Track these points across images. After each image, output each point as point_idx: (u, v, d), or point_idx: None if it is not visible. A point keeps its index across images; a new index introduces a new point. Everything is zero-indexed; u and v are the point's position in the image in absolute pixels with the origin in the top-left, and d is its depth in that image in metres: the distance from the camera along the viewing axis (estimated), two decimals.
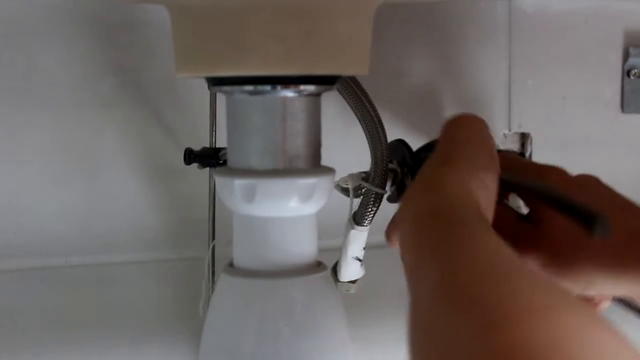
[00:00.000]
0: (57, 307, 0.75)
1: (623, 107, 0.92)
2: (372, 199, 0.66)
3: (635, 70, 0.91)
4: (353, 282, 0.69)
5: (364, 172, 0.68)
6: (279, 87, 0.58)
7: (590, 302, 0.63)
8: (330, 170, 0.62)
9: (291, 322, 0.60)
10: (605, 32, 0.91)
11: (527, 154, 0.89)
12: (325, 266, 0.63)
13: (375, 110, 0.68)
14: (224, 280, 0.62)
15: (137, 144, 0.77)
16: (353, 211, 0.68)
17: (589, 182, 0.61)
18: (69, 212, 0.76)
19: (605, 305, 0.63)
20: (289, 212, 0.60)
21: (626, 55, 0.91)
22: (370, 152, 0.67)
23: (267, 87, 0.58)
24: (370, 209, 0.66)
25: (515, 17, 0.87)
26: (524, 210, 0.64)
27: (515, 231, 0.61)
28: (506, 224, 0.62)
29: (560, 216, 0.57)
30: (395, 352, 0.84)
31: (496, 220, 0.63)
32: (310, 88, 0.59)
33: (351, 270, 0.69)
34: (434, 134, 0.82)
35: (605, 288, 0.58)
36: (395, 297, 0.84)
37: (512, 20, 0.87)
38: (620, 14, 0.91)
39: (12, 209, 0.75)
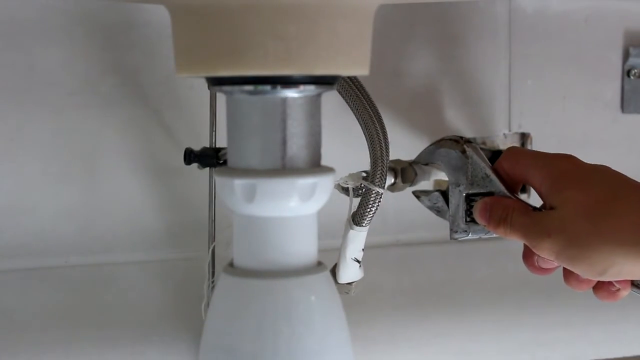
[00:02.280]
0: (57, 307, 0.75)
1: (623, 107, 0.92)
2: (372, 199, 0.66)
3: (635, 70, 0.91)
4: (351, 284, 0.69)
5: (365, 172, 0.68)
6: (279, 87, 0.58)
7: (609, 290, 0.63)
8: (330, 170, 0.62)
9: (291, 322, 0.60)
10: (605, 32, 0.91)
11: None
12: (325, 266, 0.63)
13: (374, 109, 0.68)
14: (224, 280, 0.62)
15: (137, 144, 0.77)
16: (352, 211, 0.68)
17: (602, 168, 0.61)
18: (69, 212, 0.76)
19: (626, 293, 0.63)
20: (289, 212, 0.60)
21: (626, 55, 0.91)
22: (369, 151, 0.66)
23: (267, 87, 0.58)
24: (370, 209, 0.66)
25: (515, 17, 0.87)
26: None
27: (529, 221, 0.61)
28: (520, 215, 0.62)
29: (576, 200, 0.57)
30: (395, 352, 0.84)
31: (510, 211, 0.63)
32: (310, 88, 0.59)
33: (350, 272, 0.68)
34: (434, 134, 0.83)
35: (624, 270, 0.58)
36: (394, 297, 0.84)
37: (512, 20, 0.87)
38: (620, 14, 0.91)
39: (12, 209, 0.75)
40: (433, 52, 0.86)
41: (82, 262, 0.77)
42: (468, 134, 0.86)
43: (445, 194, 0.70)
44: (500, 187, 0.66)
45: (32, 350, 0.74)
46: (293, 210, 0.60)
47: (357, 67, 0.60)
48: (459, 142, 0.68)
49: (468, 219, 0.67)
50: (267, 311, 0.60)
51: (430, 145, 0.71)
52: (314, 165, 0.61)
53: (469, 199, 0.67)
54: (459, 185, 0.68)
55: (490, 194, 0.66)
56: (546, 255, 0.60)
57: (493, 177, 0.66)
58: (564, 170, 0.62)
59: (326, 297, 0.63)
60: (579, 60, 0.90)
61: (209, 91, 0.73)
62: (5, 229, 0.74)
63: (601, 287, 0.63)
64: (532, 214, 0.62)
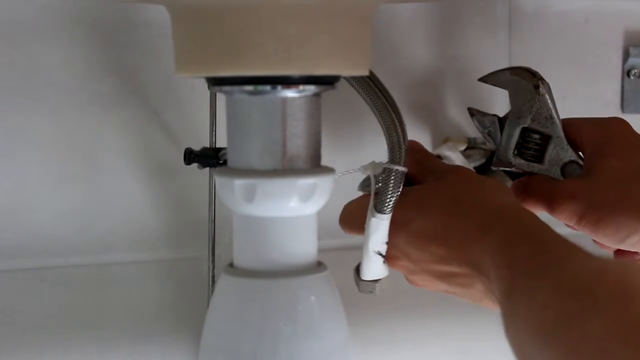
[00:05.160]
0: (57, 307, 0.75)
1: (623, 107, 0.92)
2: (392, 181, 0.62)
3: (635, 70, 0.91)
4: (376, 281, 0.67)
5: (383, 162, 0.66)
6: (279, 87, 0.58)
7: (633, 259, 0.63)
8: (330, 170, 0.62)
9: (291, 322, 0.60)
10: (605, 32, 0.91)
11: None
12: (325, 266, 0.63)
13: (388, 97, 0.65)
14: (224, 280, 0.62)
15: (137, 144, 0.77)
16: (374, 200, 0.65)
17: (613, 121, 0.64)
18: (69, 212, 0.76)
19: None
20: (289, 212, 0.60)
21: (626, 55, 0.91)
22: (386, 138, 0.64)
23: (267, 87, 0.58)
24: (390, 192, 0.62)
25: (515, 17, 0.87)
26: None
27: (553, 185, 0.62)
28: (542, 181, 0.63)
29: (615, 167, 0.57)
30: (395, 352, 0.84)
31: (531, 180, 0.63)
32: (310, 88, 0.59)
33: (373, 267, 0.65)
34: (434, 134, 0.82)
35: None
36: (395, 297, 0.84)
37: (512, 20, 0.87)
38: (620, 14, 0.91)
39: (12, 209, 0.74)
40: (433, 51, 0.86)
41: (82, 262, 0.77)
42: (468, 133, 0.86)
43: (501, 120, 0.68)
44: (560, 132, 0.65)
45: (32, 350, 0.74)
46: (293, 211, 0.60)
47: (357, 67, 0.60)
48: (535, 77, 0.67)
49: (516, 152, 0.66)
50: (267, 311, 0.60)
51: (505, 70, 0.70)
52: (314, 166, 0.61)
53: (525, 134, 0.66)
54: (519, 118, 0.66)
55: (546, 136, 0.65)
56: (566, 218, 0.59)
57: (557, 120, 0.66)
58: (614, 136, 0.62)
59: (326, 297, 0.63)
60: (579, 60, 0.90)
61: (209, 91, 0.73)
62: (5, 229, 0.74)
63: (623, 257, 0.62)
64: (555, 182, 0.62)
